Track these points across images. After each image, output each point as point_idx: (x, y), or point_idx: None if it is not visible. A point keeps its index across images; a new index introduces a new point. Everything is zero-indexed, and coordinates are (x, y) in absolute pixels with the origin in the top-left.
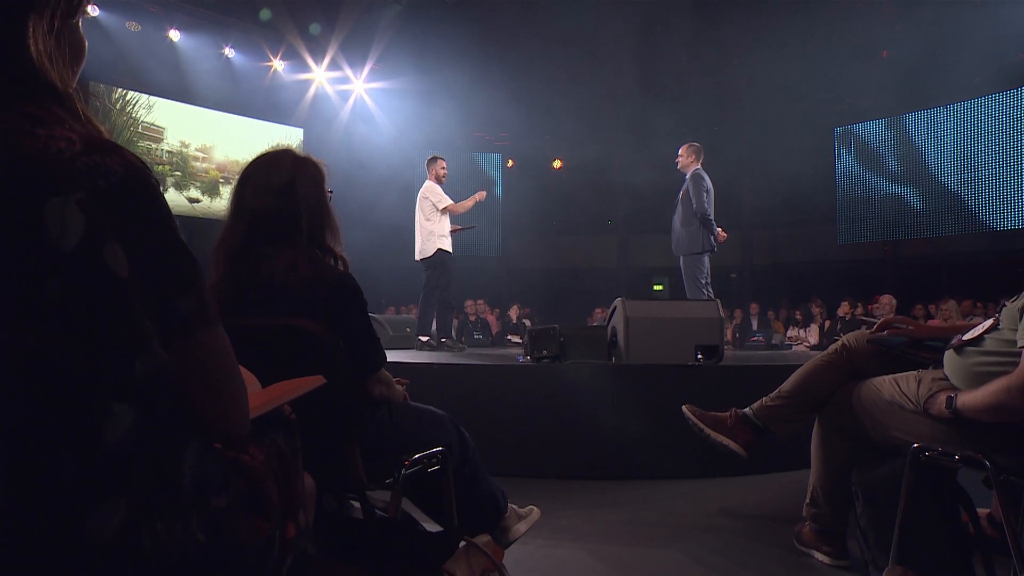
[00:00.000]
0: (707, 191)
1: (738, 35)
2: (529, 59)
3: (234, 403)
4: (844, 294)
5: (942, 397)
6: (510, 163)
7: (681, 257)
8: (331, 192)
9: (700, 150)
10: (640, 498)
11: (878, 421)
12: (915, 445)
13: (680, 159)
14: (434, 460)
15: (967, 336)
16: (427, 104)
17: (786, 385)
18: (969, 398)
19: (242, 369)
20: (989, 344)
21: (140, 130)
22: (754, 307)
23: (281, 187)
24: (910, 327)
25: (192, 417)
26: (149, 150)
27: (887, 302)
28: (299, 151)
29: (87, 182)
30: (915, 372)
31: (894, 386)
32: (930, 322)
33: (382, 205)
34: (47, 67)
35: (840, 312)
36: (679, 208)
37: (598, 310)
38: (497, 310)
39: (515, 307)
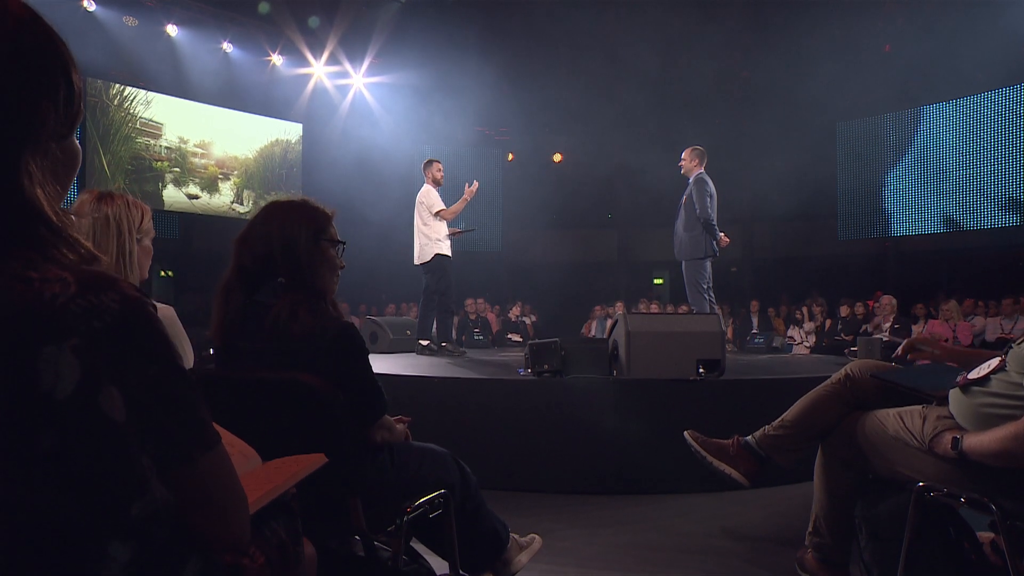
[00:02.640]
0: (710, 195)
1: (740, 29)
2: (529, 52)
3: (236, 519)
4: (845, 290)
5: (948, 437)
6: (510, 157)
7: (683, 262)
8: (343, 243)
9: (703, 154)
10: (641, 516)
11: (882, 455)
12: (920, 484)
13: (683, 163)
14: (436, 502)
15: (973, 375)
16: (427, 99)
17: (789, 414)
18: (976, 441)
19: (241, 443)
20: (995, 385)
21: (138, 126)
22: (754, 305)
23: (279, 236)
24: (936, 351)
25: (193, 536)
26: (148, 146)
27: (887, 303)
28: (311, 201)
29: (82, 326)
30: (920, 407)
31: (898, 421)
32: (931, 322)
33: (382, 200)
34: (41, 201)
35: (842, 313)
36: (681, 212)
37: (597, 307)
38: (497, 307)
39: (516, 306)
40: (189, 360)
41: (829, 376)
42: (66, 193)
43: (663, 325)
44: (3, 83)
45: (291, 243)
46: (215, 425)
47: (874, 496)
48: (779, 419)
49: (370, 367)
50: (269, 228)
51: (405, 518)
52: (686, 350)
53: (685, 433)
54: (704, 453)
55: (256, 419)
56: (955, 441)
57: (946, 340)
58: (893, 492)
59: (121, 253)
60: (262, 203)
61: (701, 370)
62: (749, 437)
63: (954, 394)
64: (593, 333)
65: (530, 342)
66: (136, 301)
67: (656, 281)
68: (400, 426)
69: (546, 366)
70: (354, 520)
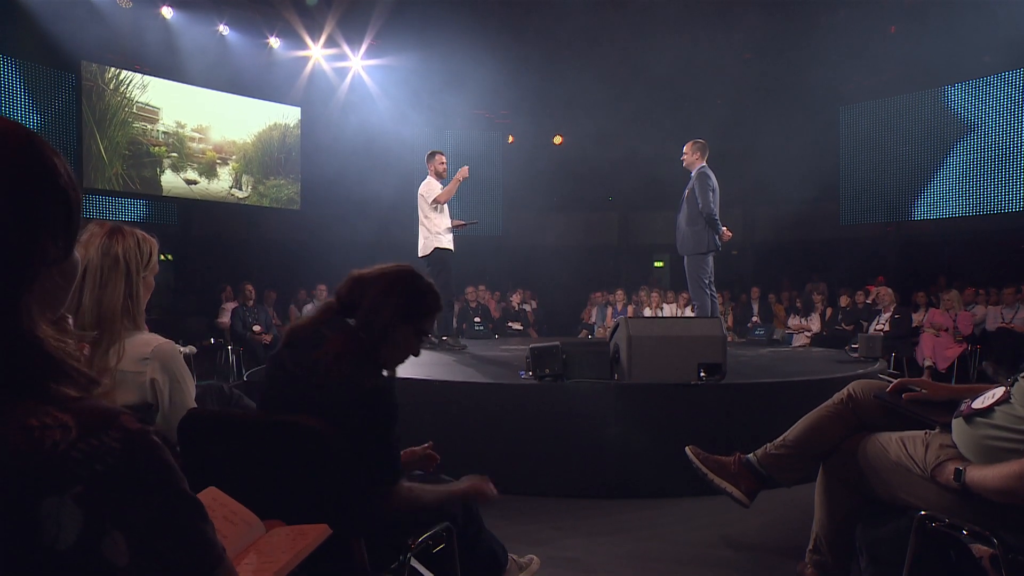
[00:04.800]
0: (713, 190)
1: (743, 12)
2: (529, 34)
3: None
4: (846, 276)
5: (950, 467)
6: (510, 139)
7: (685, 257)
8: (431, 336)
9: (705, 147)
10: (642, 522)
11: (884, 480)
12: (922, 513)
13: (685, 157)
14: (440, 535)
15: (977, 404)
16: (426, 82)
17: (791, 433)
18: (979, 476)
19: (243, 512)
20: (999, 417)
21: (135, 110)
22: (755, 291)
23: (374, 296)
24: (924, 390)
25: None
26: (145, 131)
27: (885, 295)
28: (434, 287)
29: (84, 472)
30: (922, 434)
31: (900, 447)
32: (931, 311)
33: (381, 184)
34: (40, 338)
35: (842, 303)
36: (684, 207)
37: (598, 294)
38: (497, 293)
39: (516, 294)
40: (191, 396)
41: (829, 377)
42: (63, 308)
43: (664, 329)
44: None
45: (378, 310)
46: (215, 495)
47: (875, 519)
48: (781, 438)
49: (392, 434)
50: (376, 282)
51: (408, 555)
52: (687, 354)
53: (687, 449)
54: (705, 470)
55: (260, 460)
56: (958, 473)
57: (946, 329)
58: (894, 516)
59: (128, 294)
60: (260, 188)
61: (702, 374)
62: (751, 455)
63: (957, 423)
64: (593, 320)
65: (531, 346)
66: (137, 435)
67: (657, 264)
68: (429, 455)
69: (547, 370)
70: (357, 560)
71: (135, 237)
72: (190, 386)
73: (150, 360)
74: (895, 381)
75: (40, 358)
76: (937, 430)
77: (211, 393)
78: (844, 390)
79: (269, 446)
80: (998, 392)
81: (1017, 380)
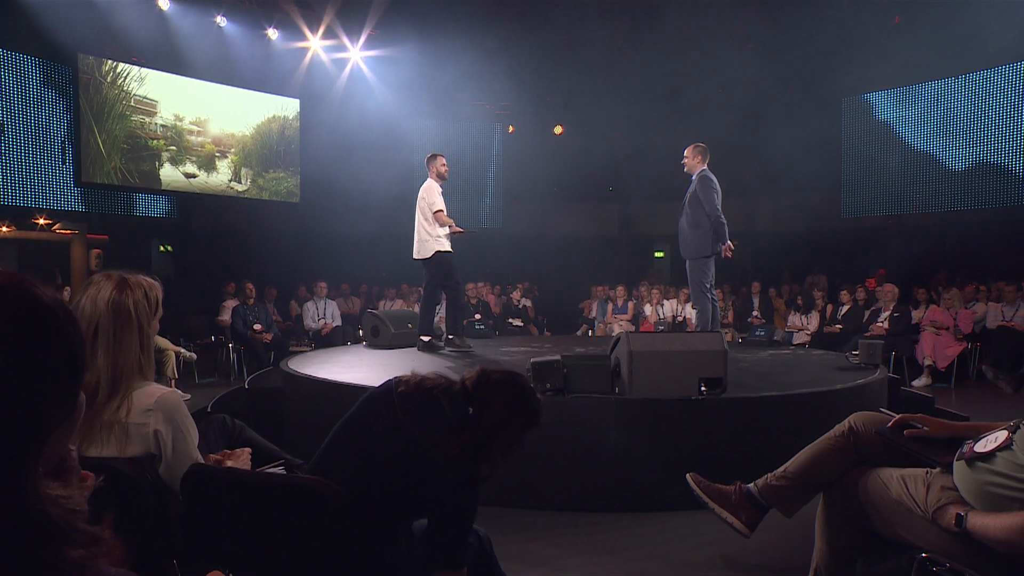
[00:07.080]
0: (716, 192)
1: (745, 1)
2: (528, 25)
3: None
4: (847, 268)
5: (952, 512)
6: (511, 129)
7: (687, 260)
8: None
9: (706, 150)
10: (641, 540)
11: (884, 518)
12: (923, 555)
13: (686, 160)
14: None
15: (979, 448)
16: (426, 73)
17: (791, 464)
18: (980, 524)
19: None
20: (1000, 464)
21: (132, 104)
22: (756, 286)
23: (500, 408)
24: (926, 427)
25: None
26: (143, 124)
27: (889, 291)
28: (533, 389)
29: None
30: (923, 473)
31: (902, 486)
32: (931, 309)
33: (380, 176)
34: (45, 503)
35: (843, 299)
36: (686, 209)
37: (599, 288)
38: (498, 287)
39: (517, 291)
40: (195, 446)
41: (829, 390)
42: (65, 447)
43: (665, 344)
44: (7, 406)
45: (503, 425)
46: None
47: (876, 554)
48: (782, 468)
49: (471, 524)
50: (502, 392)
51: None
52: (688, 369)
53: (687, 476)
54: (706, 499)
55: (264, 521)
56: (959, 518)
57: (947, 328)
58: (895, 552)
59: (142, 348)
60: (260, 181)
61: (703, 388)
62: (751, 484)
63: (959, 467)
64: (594, 315)
65: (532, 360)
66: None
67: (657, 254)
68: None
69: (548, 384)
70: None
71: (142, 288)
72: (193, 435)
73: (153, 411)
74: (897, 417)
75: (45, 531)
76: (938, 470)
77: (213, 426)
78: (845, 422)
79: (273, 506)
80: (1000, 436)
81: (1020, 427)
